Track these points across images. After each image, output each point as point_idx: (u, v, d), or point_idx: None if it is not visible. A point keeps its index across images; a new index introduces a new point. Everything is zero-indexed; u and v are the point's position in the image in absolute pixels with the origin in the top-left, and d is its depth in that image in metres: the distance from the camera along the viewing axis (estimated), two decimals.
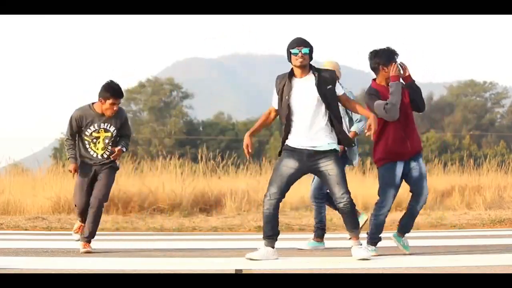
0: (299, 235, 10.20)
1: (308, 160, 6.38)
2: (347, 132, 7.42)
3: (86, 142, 7.52)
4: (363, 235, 6.72)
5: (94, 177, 7.56)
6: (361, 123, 7.82)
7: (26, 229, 11.63)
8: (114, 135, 7.53)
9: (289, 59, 6.44)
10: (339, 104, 6.58)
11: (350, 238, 6.69)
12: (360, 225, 7.37)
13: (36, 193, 13.96)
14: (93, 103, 7.51)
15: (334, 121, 6.38)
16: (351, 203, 6.36)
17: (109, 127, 7.50)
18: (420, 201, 6.83)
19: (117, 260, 6.74)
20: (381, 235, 6.82)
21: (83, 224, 7.64)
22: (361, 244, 6.45)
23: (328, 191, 7.30)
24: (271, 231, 6.47)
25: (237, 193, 14.31)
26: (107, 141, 7.51)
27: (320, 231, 7.94)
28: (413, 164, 6.76)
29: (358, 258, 6.30)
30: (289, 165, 6.42)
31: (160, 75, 73.85)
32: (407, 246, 6.95)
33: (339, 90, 6.49)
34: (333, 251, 7.45)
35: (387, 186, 6.69)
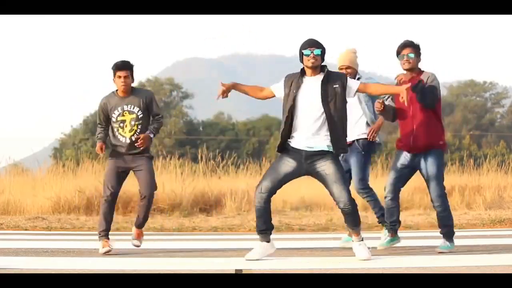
0: (299, 235, 10.20)
1: (305, 162, 6.36)
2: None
3: (115, 129, 7.53)
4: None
5: (125, 168, 7.55)
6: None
7: (26, 229, 11.63)
8: (139, 116, 7.49)
9: (301, 60, 6.43)
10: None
11: (349, 234, 6.69)
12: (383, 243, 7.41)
13: (36, 193, 13.96)
14: (116, 90, 7.56)
15: (329, 120, 6.31)
16: (352, 203, 6.28)
17: (133, 108, 7.49)
18: (433, 202, 7.07)
19: (117, 260, 6.73)
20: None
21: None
22: (362, 240, 6.41)
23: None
24: (264, 226, 6.43)
25: (237, 193, 14.31)
26: (133, 123, 7.49)
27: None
28: (422, 164, 6.97)
29: (359, 259, 6.28)
30: (287, 163, 6.40)
31: (160, 75, 73.80)
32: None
33: (353, 84, 6.43)
34: (333, 251, 7.44)
35: (390, 169, 7.16)
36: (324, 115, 6.32)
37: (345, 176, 6.44)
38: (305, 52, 6.38)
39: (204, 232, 11.50)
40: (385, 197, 7.11)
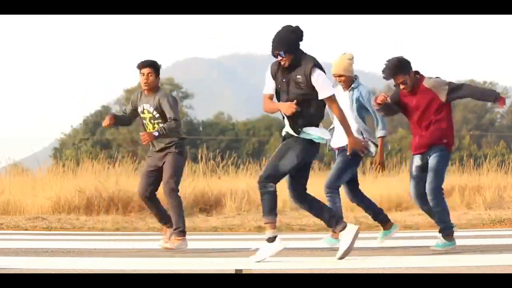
0: (299, 235, 10.20)
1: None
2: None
3: (144, 127, 7.63)
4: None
5: (156, 166, 7.58)
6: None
7: (26, 229, 11.63)
8: (156, 116, 7.52)
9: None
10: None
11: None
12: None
13: (36, 193, 13.95)
14: None
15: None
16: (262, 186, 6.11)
17: (150, 108, 7.55)
18: (427, 195, 7.02)
19: (117, 260, 6.73)
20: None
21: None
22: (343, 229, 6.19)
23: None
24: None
25: (237, 193, 14.30)
26: (153, 121, 7.53)
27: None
28: (428, 158, 7.03)
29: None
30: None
31: (160, 75, 73.80)
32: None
33: (322, 92, 6.15)
34: (333, 251, 7.44)
35: (410, 179, 7.18)
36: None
37: (280, 154, 6.18)
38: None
39: (204, 232, 11.50)
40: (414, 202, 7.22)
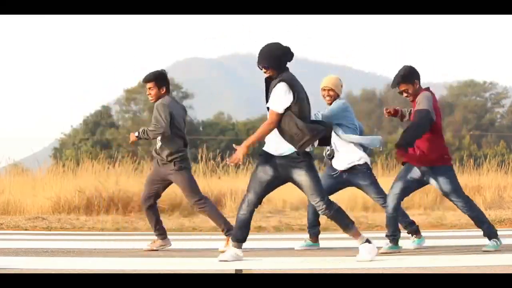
0: (299, 235, 10.20)
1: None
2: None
3: None
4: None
5: (162, 179, 7.75)
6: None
7: (26, 229, 11.63)
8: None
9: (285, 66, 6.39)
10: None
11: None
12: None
13: (36, 193, 13.96)
14: None
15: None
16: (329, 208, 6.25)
17: (152, 119, 7.65)
18: (464, 212, 7.16)
19: (117, 260, 6.74)
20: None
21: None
22: (366, 241, 6.22)
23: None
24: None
25: (237, 193, 14.31)
26: None
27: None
28: (432, 181, 7.00)
29: (357, 260, 6.22)
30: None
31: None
32: None
33: (270, 102, 6.25)
34: (333, 251, 7.45)
35: (397, 180, 7.12)
36: None
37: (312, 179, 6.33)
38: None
39: (204, 232, 11.50)
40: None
